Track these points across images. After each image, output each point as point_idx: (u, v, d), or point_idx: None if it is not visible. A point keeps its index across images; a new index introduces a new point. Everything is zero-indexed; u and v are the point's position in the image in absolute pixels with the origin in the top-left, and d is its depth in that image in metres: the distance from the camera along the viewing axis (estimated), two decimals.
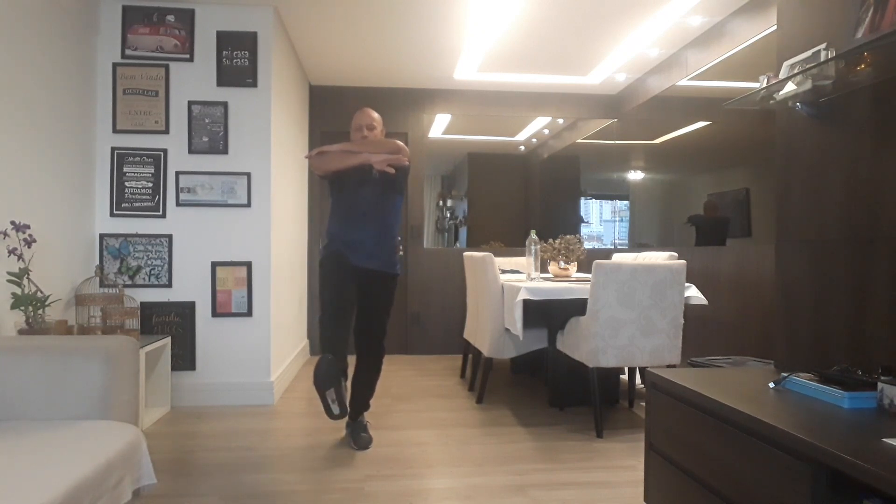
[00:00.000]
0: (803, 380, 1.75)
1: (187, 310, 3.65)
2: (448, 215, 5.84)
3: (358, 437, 2.90)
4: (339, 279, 2.85)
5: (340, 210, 2.98)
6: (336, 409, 2.71)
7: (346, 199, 2.97)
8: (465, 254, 4.18)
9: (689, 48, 4.26)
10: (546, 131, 5.87)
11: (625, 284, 3.03)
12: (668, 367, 3.13)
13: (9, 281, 2.62)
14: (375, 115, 3.07)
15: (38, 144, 2.93)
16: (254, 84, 3.68)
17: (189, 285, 3.66)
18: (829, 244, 1.96)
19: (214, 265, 3.67)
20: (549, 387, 3.69)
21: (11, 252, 2.62)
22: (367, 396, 3.03)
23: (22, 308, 2.67)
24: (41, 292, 2.76)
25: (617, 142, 5.64)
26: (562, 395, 3.58)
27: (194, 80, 3.65)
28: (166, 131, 3.63)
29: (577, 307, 3.24)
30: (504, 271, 4.14)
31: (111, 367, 1.83)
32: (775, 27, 2.29)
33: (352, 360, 2.98)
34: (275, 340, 3.82)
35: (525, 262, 3.85)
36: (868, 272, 1.80)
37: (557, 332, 3.45)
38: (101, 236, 3.58)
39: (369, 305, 2.94)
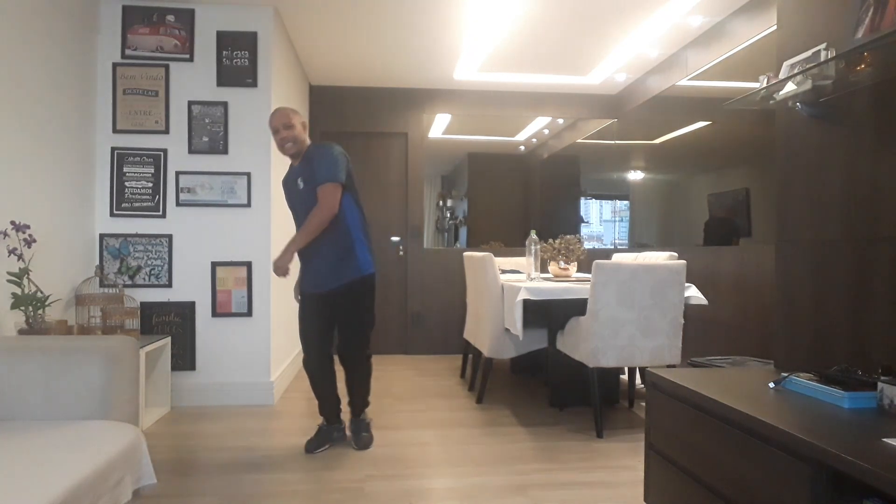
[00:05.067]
0: (803, 380, 1.75)
1: (187, 310, 3.65)
2: (448, 215, 5.84)
3: (359, 437, 2.91)
4: (312, 314, 2.84)
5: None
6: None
7: (296, 226, 2.83)
8: (465, 254, 4.18)
9: (689, 48, 4.26)
10: (546, 131, 5.87)
11: (625, 284, 3.03)
12: (668, 367, 3.13)
13: (9, 281, 2.62)
14: (286, 111, 2.77)
15: (38, 144, 2.93)
16: (254, 84, 3.68)
17: (189, 285, 3.66)
18: (829, 244, 1.96)
19: (214, 265, 3.67)
20: (549, 387, 3.69)
21: (11, 252, 2.62)
22: (365, 394, 3.01)
23: (22, 308, 2.67)
24: (41, 292, 2.76)
25: (617, 142, 5.64)
26: (562, 395, 3.58)
27: (194, 80, 3.65)
28: (166, 131, 3.63)
29: (577, 307, 3.24)
30: (504, 271, 4.14)
31: (111, 367, 1.83)
32: (775, 27, 2.29)
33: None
34: (275, 340, 3.82)
35: (525, 262, 3.85)
36: (868, 272, 1.80)
37: (557, 332, 3.45)
38: (101, 236, 3.58)
39: (343, 321, 2.85)
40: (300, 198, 2.79)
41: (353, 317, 2.85)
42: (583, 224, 5.91)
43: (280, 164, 4.00)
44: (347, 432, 3.00)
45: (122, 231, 3.60)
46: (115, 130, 3.60)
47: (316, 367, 2.88)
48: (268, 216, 3.72)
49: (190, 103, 3.65)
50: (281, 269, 2.72)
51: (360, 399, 3.00)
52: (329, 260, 2.75)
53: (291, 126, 2.74)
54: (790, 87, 1.98)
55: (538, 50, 4.50)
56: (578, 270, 4.23)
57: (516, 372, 4.58)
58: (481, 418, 3.39)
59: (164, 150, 3.63)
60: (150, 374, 3.38)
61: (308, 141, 2.84)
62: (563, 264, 3.78)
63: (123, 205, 3.60)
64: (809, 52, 1.96)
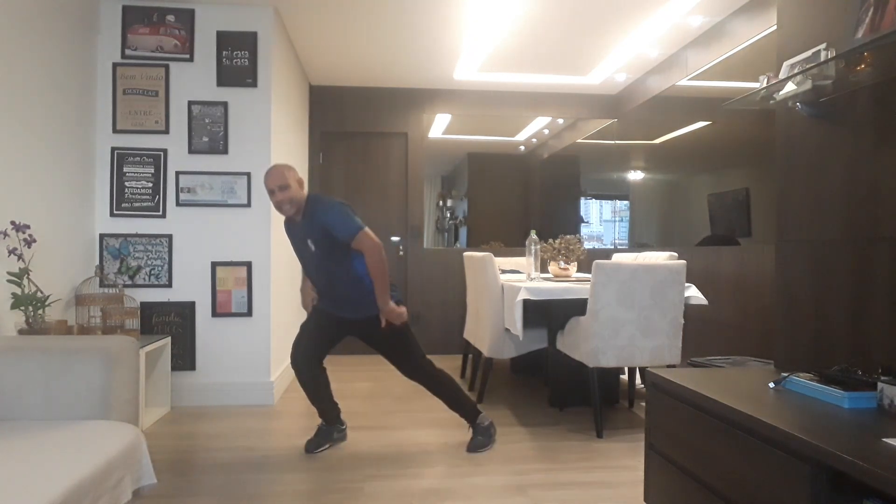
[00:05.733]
0: (803, 380, 1.75)
1: (187, 310, 3.65)
2: (448, 215, 5.84)
3: (471, 440, 2.90)
4: (313, 320, 2.88)
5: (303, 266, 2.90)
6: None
7: (308, 274, 2.88)
8: (465, 254, 4.18)
9: (689, 48, 4.26)
10: (546, 131, 5.87)
11: (625, 284, 3.03)
12: (668, 367, 3.13)
13: (9, 281, 2.62)
14: (282, 170, 2.64)
15: (38, 144, 2.93)
16: (254, 84, 3.68)
17: (189, 285, 3.66)
18: (829, 244, 1.96)
19: (214, 265, 3.67)
20: (549, 387, 3.69)
21: (11, 252, 2.62)
22: (457, 402, 2.93)
23: (22, 308, 2.67)
24: (41, 292, 2.76)
25: (617, 142, 5.64)
26: (562, 395, 3.58)
27: (194, 80, 3.65)
28: (166, 131, 3.63)
29: (577, 307, 3.24)
30: (504, 271, 4.14)
31: (111, 367, 1.83)
32: (775, 27, 2.29)
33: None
34: (275, 340, 3.82)
35: (525, 262, 3.85)
36: (868, 272, 1.80)
37: (557, 332, 3.45)
38: (101, 236, 3.58)
39: (380, 349, 2.86)
40: (314, 259, 2.73)
41: (388, 344, 2.83)
42: (583, 224, 5.91)
43: None
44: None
45: (122, 231, 3.60)
46: (115, 130, 3.60)
47: (305, 372, 2.85)
48: (268, 216, 3.72)
49: (190, 103, 3.65)
50: (397, 313, 2.68)
51: (456, 407, 2.93)
52: (349, 301, 2.75)
53: (287, 187, 2.61)
54: (790, 87, 1.98)
55: (538, 50, 4.50)
56: (578, 270, 4.22)
57: (516, 372, 4.58)
58: None
59: (164, 150, 3.63)
60: (150, 374, 3.38)
61: (304, 195, 2.72)
62: (563, 264, 3.78)
63: (123, 205, 3.60)
64: (809, 52, 1.96)
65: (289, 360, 4.24)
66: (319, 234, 2.63)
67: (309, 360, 2.87)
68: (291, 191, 2.62)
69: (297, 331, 3.00)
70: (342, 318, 2.80)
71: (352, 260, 2.66)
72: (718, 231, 3.92)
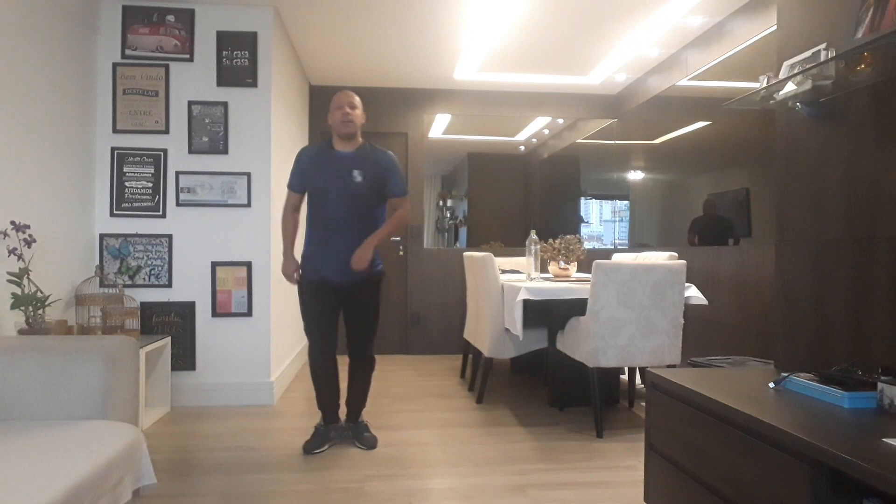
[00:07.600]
0: (803, 380, 1.75)
1: (187, 310, 3.65)
2: (448, 215, 5.84)
3: (363, 438, 2.92)
4: (320, 306, 2.84)
5: (322, 223, 2.81)
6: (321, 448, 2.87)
7: (328, 210, 2.79)
8: (465, 254, 4.18)
9: (689, 48, 4.26)
10: (546, 131, 5.87)
11: (625, 284, 3.03)
12: (668, 367, 3.13)
13: (9, 281, 2.62)
14: (354, 95, 2.84)
15: (38, 144, 2.93)
16: (254, 84, 3.68)
17: (189, 285, 3.66)
18: (829, 244, 1.96)
19: (214, 265, 3.67)
20: (549, 387, 3.69)
21: (11, 252, 2.62)
22: (366, 396, 3.03)
23: (22, 308, 2.67)
24: (41, 292, 2.76)
25: (617, 142, 5.65)
26: (562, 395, 3.58)
27: (194, 80, 3.65)
28: (166, 131, 3.63)
29: (577, 307, 3.24)
30: (504, 271, 4.14)
31: (111, 367, 1.83)
32: (775, 27, 2.29)
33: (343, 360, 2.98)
34: (275, 340, 3.82)
35: (525, 262, 3.85)
36: (868, 272, 1.80)
37: (557, 332, 3.45)
38: (101, 236, 3.58)
39: (359, 314, 2.89)
40: (350, 188, 2.78)
41: (370, 309, 2.90)
42: (583, 224, 5.91)
43: (280, 165, 4.01)
44: (349, 433, 2.99)
45: (122, 231, 3.60)
46: (115, 130, 3.60)
47: (320, 360, 2.87)
48: (268, 216, 3.72)
49: (190, 103, 3.65)
50: (364, 260, 2.75)
51: (360, 400, 3.01)
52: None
53: (356, 107, 2.81)
54: (790, 87, 1.98)
55: (538, 50, 4.50)
56: (578, 270, 4.23)
57: (516, 372, 4.58)
58: (481, 418, 3.39)
59: (164, 150, 3.63)
60: (150, 374, 3.38)
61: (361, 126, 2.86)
62: (563, 264, 3.78)
63: (123, 205, 3.60)
64: (809, 52, 1.96)
65: (288, 361, 4.28)
66: (375, 172, 2.82)
67: (327, 346, 2.87)
68: (359, 113, 2.82)
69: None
70: (338, 287, 2.80)
71: (380, 211, 2.88)
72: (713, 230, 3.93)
